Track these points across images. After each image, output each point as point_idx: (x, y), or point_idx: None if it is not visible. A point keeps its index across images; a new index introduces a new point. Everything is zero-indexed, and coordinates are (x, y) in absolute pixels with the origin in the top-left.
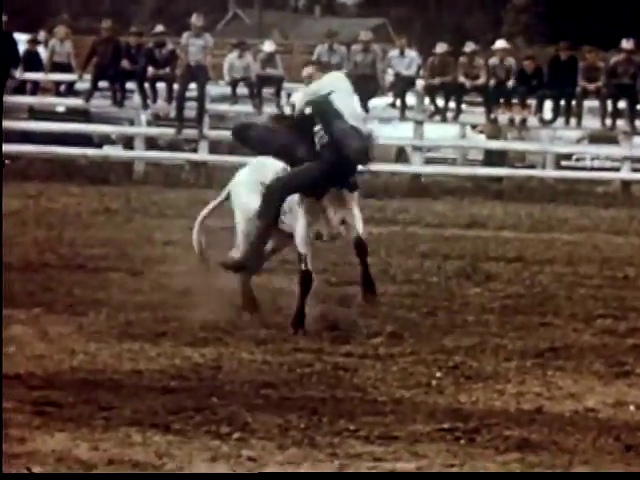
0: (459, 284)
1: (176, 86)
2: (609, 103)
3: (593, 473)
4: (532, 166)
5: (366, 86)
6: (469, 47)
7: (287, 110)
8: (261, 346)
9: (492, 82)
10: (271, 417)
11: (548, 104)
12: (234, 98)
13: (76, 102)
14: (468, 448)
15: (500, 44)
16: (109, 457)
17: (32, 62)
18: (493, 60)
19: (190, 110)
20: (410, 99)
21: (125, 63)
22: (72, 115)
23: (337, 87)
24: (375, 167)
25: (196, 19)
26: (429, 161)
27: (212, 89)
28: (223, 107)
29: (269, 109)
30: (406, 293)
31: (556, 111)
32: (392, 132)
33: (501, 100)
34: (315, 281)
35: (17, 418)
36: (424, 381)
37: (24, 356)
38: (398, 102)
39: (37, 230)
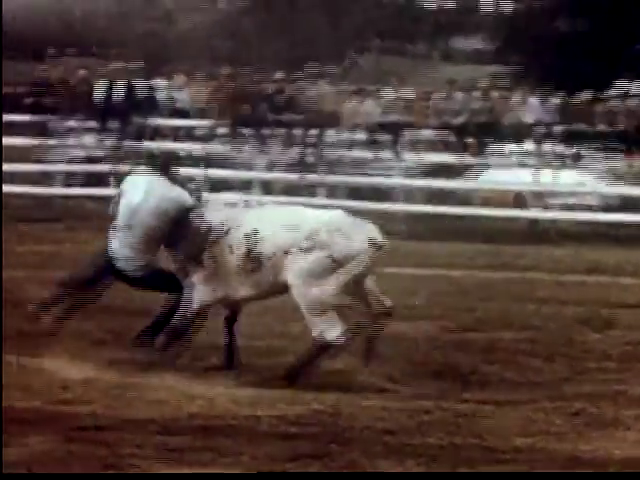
0: (579, 330)
1: (295, 131)
2: None
3: (593, 473)
4: None
5: (486, 133)
6: (596, 94)
7: None
8: (380, 392)
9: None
10: (390, 464)
11: None
12: (352, 144)
13: (195, 147)
14: None
15: None
16: None
17: (151, 107)
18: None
19: (309, 156)
20: (528, 145)
21: (244, 108)
22: (191, 160)
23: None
24: (493, 212)
25: (312, 67)
26: (549, 207)
27: (330, 135)
28: (341, 153)
29: (386, 155)
30: (524, 339)
31: None
32: (511, 177)
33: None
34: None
35: (139, 464)
36: (544, 428)
37: (143, 401)
38: (520, 147)
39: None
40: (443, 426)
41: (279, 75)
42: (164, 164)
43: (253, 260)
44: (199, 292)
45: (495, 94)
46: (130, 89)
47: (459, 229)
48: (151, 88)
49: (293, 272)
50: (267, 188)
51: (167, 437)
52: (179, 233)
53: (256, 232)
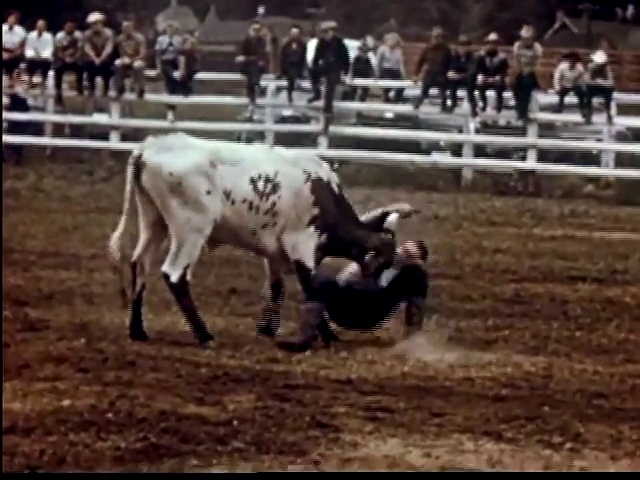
0: None
1: (506, 94)
2: None
3: (592, 473)
4: None
5: None
6: None
7: None
8: (592, 356)
9: None
10: (603, 428)
11: None
12: (561, 107)
13: (405, 109)
14: None
15: None
16: (441, 464)
17: (362, 68)
18: None
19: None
20: None
21: (454, 70)
22: (400, 121)
23: None
24: None
25: (526, 31)
26: None
27: (541, 98)
28: (551, 116)
29: (598, 119)
30: None
31: None
32: None
33: None
34: None
35: (350, 423)
36: None
37: (355, 361)
38: None
39: None
40: None
41: (492, 37)
42: None
43: None
44: None
45: None
46: (340, 49)
47: None
48: (362, 49)
49: None
50: (479, 150)
51: (380, 397)
52: None
53: None
